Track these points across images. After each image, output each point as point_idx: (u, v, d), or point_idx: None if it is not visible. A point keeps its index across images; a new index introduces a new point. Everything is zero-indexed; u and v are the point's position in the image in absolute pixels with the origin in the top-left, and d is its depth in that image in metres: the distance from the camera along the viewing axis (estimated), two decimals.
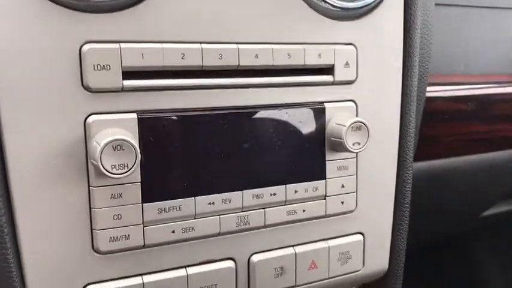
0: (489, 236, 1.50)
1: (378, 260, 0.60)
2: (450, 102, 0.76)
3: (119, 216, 0.44)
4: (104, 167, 0.40)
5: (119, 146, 0.40)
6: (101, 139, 0.40)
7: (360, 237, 0.57)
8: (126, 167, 0.41)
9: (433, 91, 0.72)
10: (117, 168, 0.41)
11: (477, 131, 0.79)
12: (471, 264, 1.54)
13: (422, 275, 1.43)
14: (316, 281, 0.55)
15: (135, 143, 0.41)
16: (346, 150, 0.51)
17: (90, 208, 0.43)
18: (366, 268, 0.59)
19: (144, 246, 0.46)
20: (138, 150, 0.41)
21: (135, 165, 0.41)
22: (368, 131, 0.51)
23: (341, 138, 0.51)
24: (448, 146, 0.77)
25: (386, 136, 0.58)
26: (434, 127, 0.73)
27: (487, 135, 0.80)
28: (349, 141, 0.51)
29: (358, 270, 0.58)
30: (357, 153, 0.54)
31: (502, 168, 0.85)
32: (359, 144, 0.51)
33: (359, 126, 0.51)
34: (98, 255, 0.44)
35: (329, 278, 0.56)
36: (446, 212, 0.94)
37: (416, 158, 0.68)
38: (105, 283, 0.45)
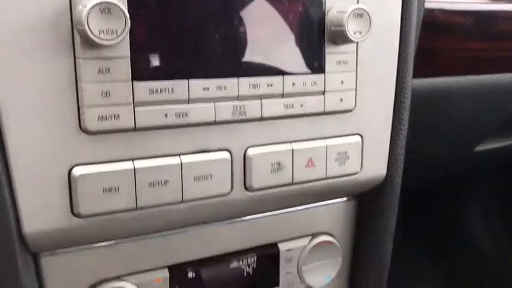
0: (477, 187, 1.51)
1: (376, 165, 0.59)
2: (449, 14, 0.73)
3: (107, 93, 0.41)
4: (91, 31, 0.37)
5: (106, 9, 0.37)
6: (87, 2, 0.37)
7: (358, 138, 0.56)
8: (114, 33, 0.38)
9: (432, 1, 0.70)
10: (105, 33, 0.38)
11: (478, 48, 0.77)
12: (458, 210, 1.56)
13: (410, 217, 1.44)
14: (313, 180, 0.54)
15: (124, 7, 0.38)
16: (347, 39, 0.49)
17: (76, 83, 0.41)
18: (364, 172, 0.57)
19: (135, 129, 0.43)
20: (128, 15, 0.38)
21: (124, 32, 0.38)
22: (370, 19, 0.49)
23: (342, 26, 0.48)
24: (447, 62, 0.75)
25: (387, 32, 0.55)
26: (433, 39, 0.71)
27: (488, 53, 0.78)
28: (350, 29, 0.48)
29: (355, 173, 0.56)
30: (357, 42, 0.52)
31: (503, 93, 0.84)
32: (360, 33, 0.49)
33: (360, 14, 0.49)
34: (86, 135, 0.42)
35: (326, 179, 0.54)
36: (440, 141, 0.93)
37: (416, 74, 0.66)
38: (93, 165, 0.42)
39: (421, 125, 0.78)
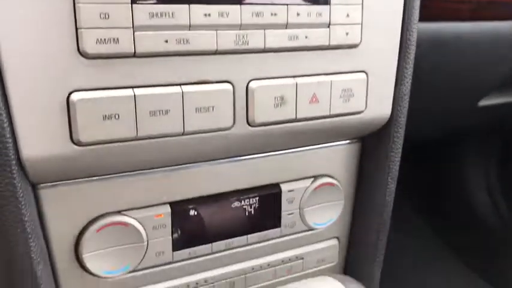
0: (478, 146, 1.51)
1: (381, 105, 0.57)
2: None
3: (106, 15, 0.40)
4: None
5: None
6: None
7: (363, 75, 0.54)
8: None
9: None
10: None
11: None
12: (458, 169, 1.56)
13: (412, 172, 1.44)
14: (317, 117, 0.53)
15: None
16: None
17: (74, 3, 0.39)
18: (368, 111, 0.56)
19: (134, 55, 0.42)
20: None
21: None
22: None
23: None
24: (454, 6, 0.73)
25: None
26: None
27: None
28: None
29: (360, 112, 0.55)
30: None
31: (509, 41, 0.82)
32: None
33: None
34: (84, 59, 0.40)
35: (330, 117, 0.53)
36: (444, 91, 0.91)
37: (421, 18, 0.64)
38: (93, 91, 0.41)
39: (424, 72, 0.76)
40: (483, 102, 1.04)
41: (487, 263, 1.49)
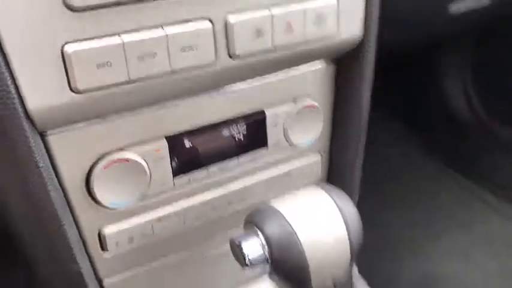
0: (453, 55, 1.55)
1: (352, 26, 0.61)
2: None
3: None
4: None
5: None
6: None
7: (334, 0, 0.58)
8: None
9: None
10: None
11: None
12: (436, 76, 1.62)
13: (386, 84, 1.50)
14: (293, 44, 0.56)
15: None
16: None
17: None
18: (340, 33, 0.60)
19: (118, 3, 0.45)
20: None
21: None
22: None
23: None
24: None
25: None
26: None
27: None
28: None
29: (332, 35, 0.59)
30: None
31: None
32: None
33: None
34: (71, 12, 0.43)
35: (305, 43, 0.57)
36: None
37: None
38: (84, 42, 0.45)
39: None
40: (454, 8, 1.07)
41: (468, 163, 1.59)
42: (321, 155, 0.72)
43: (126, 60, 0.47)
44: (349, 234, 0.50)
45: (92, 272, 0.59)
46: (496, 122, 1.51)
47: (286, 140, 0.66)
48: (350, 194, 0.73)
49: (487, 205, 1.50)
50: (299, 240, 0.48)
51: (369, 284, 0.87)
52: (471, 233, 1.42)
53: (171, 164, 0.58)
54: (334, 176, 0.74)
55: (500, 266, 1.35)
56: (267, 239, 0.49)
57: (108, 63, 0.46)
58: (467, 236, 1.42)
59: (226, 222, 0.67)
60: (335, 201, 0.51)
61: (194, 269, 0.69)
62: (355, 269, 0.78)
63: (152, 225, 0.60)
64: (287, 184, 0.69)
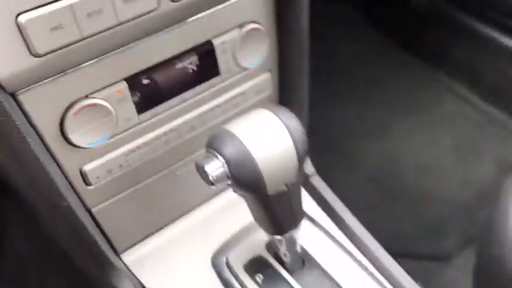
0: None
1: None
2: None
3: None
4: None
5: None
6: None
7: None
8: None
9: None
10: None
11: None
12: None
13: None
14: None
15: None
16: None
17: None
18: None
19: None
20: None
21: None
22: None
23: None
24: None
25: None
26: None
27: None
28: None
29: None
30: None
31: None
32: None
33: None
34: None
35: None
36: None
37: None
38: (35, 10, 0.49)
39: None
40: None
41: (418, 43, 1.66)
42: (271, 72, 0.79)
43: (76, 21, 0.51)
44: (295, 144, 0.58)
45: (81, 204, 0.68)
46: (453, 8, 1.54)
47: (236, 65, 0.73)
48: (301, 105, 0.82)
49: (442, 85, 1.60)
50: (252, 157, 0.57)
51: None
52: (426, 113, 1.54)
53: (133, 102, 0.65)
54: (284, 91, 0.82)
55: (452, 140, 1.49)
56: (225, 158, 0.57)
57: (61, 25, 0.50)
58: (423, 116, 1.53)
59: (192, 144, 0.75)
60: (281, 119, 0.59)
61: (170, 186, 0.79)
62: (311, 168, 0.89)
63: (127, 157, 0.68)
64: (242, 103, 0.77)
